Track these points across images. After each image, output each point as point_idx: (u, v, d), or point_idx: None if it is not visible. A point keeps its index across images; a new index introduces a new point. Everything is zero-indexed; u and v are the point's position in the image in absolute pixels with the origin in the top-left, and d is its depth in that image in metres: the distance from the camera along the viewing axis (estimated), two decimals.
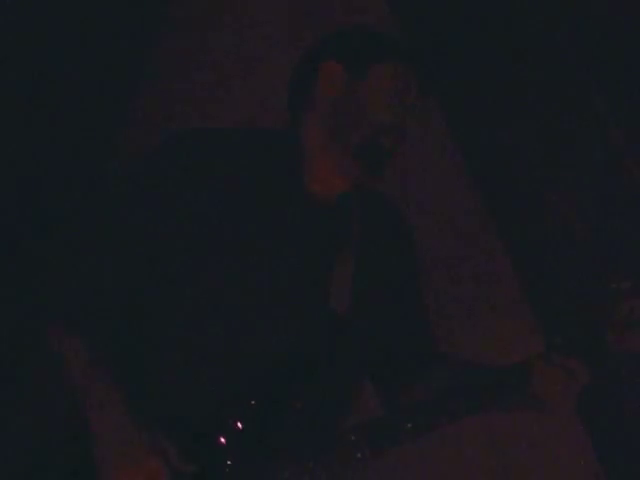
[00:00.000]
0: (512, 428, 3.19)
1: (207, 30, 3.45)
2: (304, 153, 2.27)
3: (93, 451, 2.07)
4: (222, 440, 2.12)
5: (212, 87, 3.37)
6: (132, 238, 2.17)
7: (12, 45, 3.14)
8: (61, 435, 2.22)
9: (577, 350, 2.17)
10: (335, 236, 2.27)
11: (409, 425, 2.15)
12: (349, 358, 2.25)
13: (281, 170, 2.25)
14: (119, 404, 2.10)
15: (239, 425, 2.13)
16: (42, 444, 2.25)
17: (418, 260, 2.45)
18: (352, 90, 2.24)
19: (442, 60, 3.23)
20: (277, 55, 3.28)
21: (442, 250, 3.27)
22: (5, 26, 3.12)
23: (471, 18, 3.35)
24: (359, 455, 2.13)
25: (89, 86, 3.32)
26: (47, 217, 3.19)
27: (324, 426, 2.19)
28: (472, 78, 3.40)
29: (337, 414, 2.26)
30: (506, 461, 3.29)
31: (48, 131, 3.25)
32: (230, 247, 2.17)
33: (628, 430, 3.18)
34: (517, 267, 3.36)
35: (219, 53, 3.41)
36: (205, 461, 2.11)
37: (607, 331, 2.15)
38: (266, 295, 2.18)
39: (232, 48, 3.41)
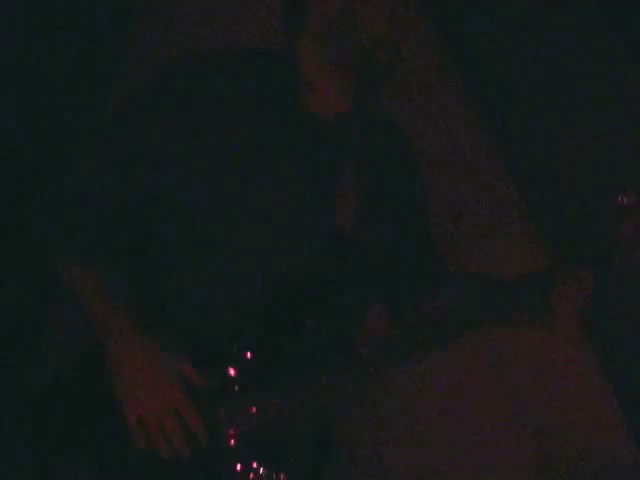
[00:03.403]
0: (516, 345, 3.22)
1: None
2: (301, 74, 2.27)
3: (110, 379, 2.13)
4: (231, 371, 2.17)
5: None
6: (132, 171, 2.19)
7: None
8: (77, 364, 2.27)
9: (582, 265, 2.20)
10: (336, 155, 2.28)
11: (418, 341, 2.19)
12: (357, 276, 2.29)
13: (278, 91, 2.24)
14: (133, 328, 2.15)
15: (248, 354, 2.18)
16: (57, 373, 2.29)
17: (420, 178, 2.47)
18: (347, 6, 2.20)
19: None
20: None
21: (444, 170, 3.28)
22: None
23: None
24: (371, 371, 2.18)
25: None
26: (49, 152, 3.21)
27: (336, 343, 2.22)
28: None
29: (348, 332, 2.29)
30: (510, 379, 3.33)
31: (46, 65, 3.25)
32: (232, 170, 2.18)
33: (631, 342, 3.21)
34: (521, 184, 3.36)
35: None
36: (219, 377, 2.16)
37: (613, 249, 2.16)
38: (270, 216, 2.20)
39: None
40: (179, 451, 2.11)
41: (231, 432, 2.14)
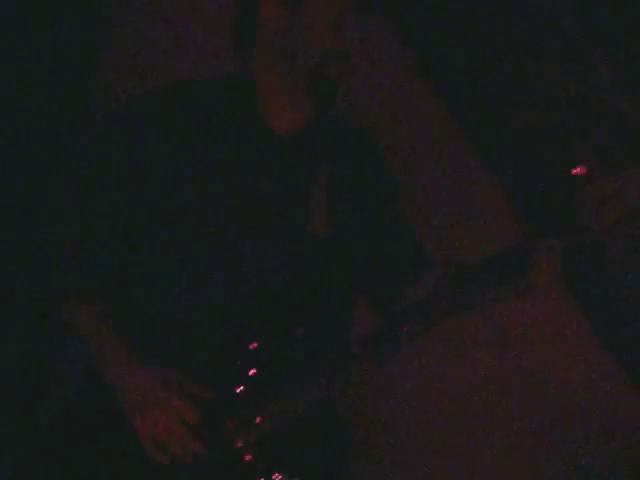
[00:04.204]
0: (508, 311, 3.25)
1: None
2: (257, 92, 2.34)
3: (113, 404, 2.22)
4: (234, 385, 2.25)
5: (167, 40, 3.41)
6: (112, 202, 2.30)
7: None
8: (79, 391, 2.36)
9: (552, 232, 2.26)
10: (303, 166, 2.35)
11: (405, 328, 2.25)
12: (339, 275, 2.36)
13: (239, 111, 2.33)
14: (129, 353, 2.24)
15: (249, 369, 2.25)
16: (60, 401, 2.38)
17: (391, 174, 2.53)
18: (293, 23, 2.25)
19: None
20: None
21: (415, 162, 3.33)
22: None
23: None
24: (364, 366, 2.25)
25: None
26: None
27: (326, 346, 2.29)
28: None
29: (336, 333, 2.37)
30: (507, 344, 3.35)
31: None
32: (203, 194, 2.27)
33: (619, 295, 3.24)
34: (490, 163, 3.40)
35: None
36: (221, 388, 2.24)
37: (579, 210, 2.22)
38: (247, 232, 2.29)
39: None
40: (195, 453, 2.19)
41: (239, 444, 2.22)
